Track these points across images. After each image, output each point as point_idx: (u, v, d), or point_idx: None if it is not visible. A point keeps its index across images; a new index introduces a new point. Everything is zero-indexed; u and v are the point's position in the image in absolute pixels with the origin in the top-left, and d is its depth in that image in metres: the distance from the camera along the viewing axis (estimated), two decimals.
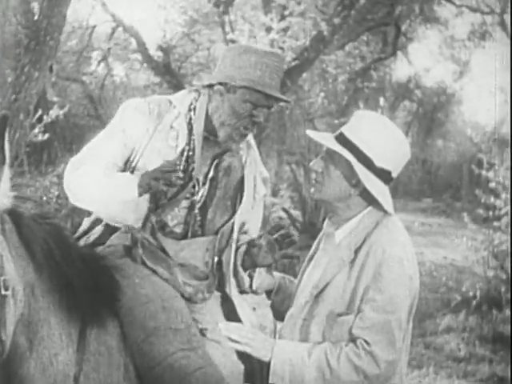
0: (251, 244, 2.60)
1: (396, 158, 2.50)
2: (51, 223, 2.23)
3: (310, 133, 2.55)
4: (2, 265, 1.98)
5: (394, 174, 2.51)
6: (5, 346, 2.00)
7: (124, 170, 2.55)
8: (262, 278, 2.65)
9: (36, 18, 6.92)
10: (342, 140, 2.47)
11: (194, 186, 2.56)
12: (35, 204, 2.24)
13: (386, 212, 2.49)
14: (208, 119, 2.56)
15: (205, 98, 2.57)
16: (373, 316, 2.38)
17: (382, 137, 2.48)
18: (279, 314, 2.69)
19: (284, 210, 10.67)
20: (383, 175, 2.47)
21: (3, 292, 1.97)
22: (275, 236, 2.57)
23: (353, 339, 2.40)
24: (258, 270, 2.64)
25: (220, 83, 2.51)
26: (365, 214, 2.50)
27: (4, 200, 2.03)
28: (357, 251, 2.46)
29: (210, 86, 2.55)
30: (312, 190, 2.55)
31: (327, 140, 2.50)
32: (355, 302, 2.41)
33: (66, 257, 2.20)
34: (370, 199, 2.49)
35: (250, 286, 2.63)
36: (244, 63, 2.48)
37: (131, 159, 2.55)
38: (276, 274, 2.79)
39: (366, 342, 2.37)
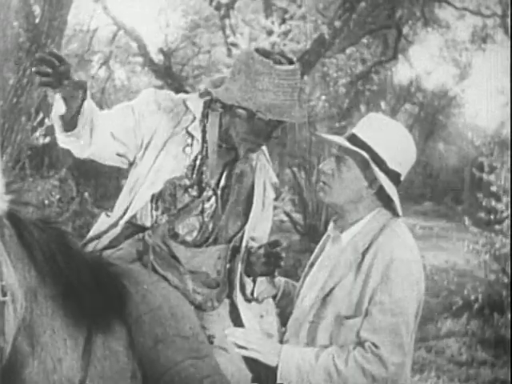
0: (251, 252, 2.59)
1: (405, 161, 2.52)
2: (53, 227, 2.21)
3: (321, 135, 2.56)
4: (0, 270, 1.97)
5: (402, 178, 2.52)
6: (4, 353, 1.99)
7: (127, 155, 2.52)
8: (263, 286, 2.65)
9: (37, 21, 6.93)
10: (355, 141, 2.48)
11: (201, 192, 2.54)
12: (36, 208, 2.23)
13: (393, 214, 2.50)
14: (222, 129, 2.52)
15: (217, 107, 2.52)
16: (381, 318, 2.38)
17: (393, 139, 2.49)
18: (283, 319, 2.69)
19: (285, 213, 10.67)
20: (394, 177, 2.48)
21: (2, 298, 1.97)
22: (273, 250, 2.55)
23: (360, 342, 2.40)
24: (259, 278, 2.63)
25: (241, 107, 2.44)
26: (371, 217, 2.51)
27: (0, 205, 2.03)
28: (364, 254, 2.46)
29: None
30: (321, 193, 2.54)
31: (341, 141, 2.50)
32: (363, 304, 2.41)
33: (69, 261, 2.19)
34: (379, 202, 2.49)
35: (252, 293, 2.62)
36: (266, 86, 2.40)
37: (145, 155, 2.51)
38: (280, 278, 2.79)
39: (374, 344, 2.37)
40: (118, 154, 2.50)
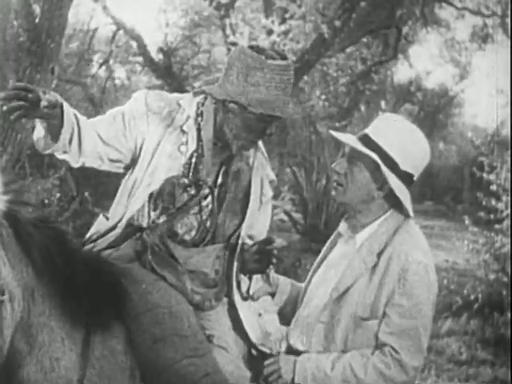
0: (244, 250, 2.59)
1: (418, 162, 2.50)
2: (52, 227, 2.21)
3: (334, 134, 2.54)
4: None
5: (415, 178, 2.50)
6: (2, 352, 1.99)
7: (120, 160, 2.52)
8: (259, 284, 2.64)
9: (37, 20, 6.93)
10: (367, 142, 2.47)
11: (198, 191, 2.54)
12: (35, 208, 2.23)
13: (405, 216, 2.49)
14: (216, 127, 2.52)
15: (211, 104, 2.53)
16: (400, 321, 2.38)
17: (406, 140, 2.47)
18: (286, 318, 2.69)
19: (285, 212, 10.67)
20: (406, 179, 2.47)
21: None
22: (265, 248, 2.55)
23: (379, 345, 2.40)
24: (254, 276, 2.63)
25: (233, 101, 2.44)
26: (385, 218, 2.50)
27: None
28: (379, 256, 2.45)
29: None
30: (334, 192, 2.54)
31: (353, 141, 2.49)
32: (379, 306, 2.41)
33: (68, 261, 2.19)
34: (391, 203, 2.49)
35: (248, 291, 2.62)
36: (258, 80, 2.40)
37: (140, 158, 2.50)
38: (284, 278, 2.78)
39: (393, 349, 2.37)
40: (112, 160, 2.50)
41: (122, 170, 2.57)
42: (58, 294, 2.16)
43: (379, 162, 2.43)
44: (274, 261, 2.52)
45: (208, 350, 2.36)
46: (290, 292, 2.72)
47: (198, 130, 2.53)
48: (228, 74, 2.46)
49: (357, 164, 2.48)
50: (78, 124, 2.36)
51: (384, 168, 2.43)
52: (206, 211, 2.55)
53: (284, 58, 2.46)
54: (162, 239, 2.49)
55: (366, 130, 2.51)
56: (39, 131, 2.32)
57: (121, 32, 10.75)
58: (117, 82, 11.90)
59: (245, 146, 2.53)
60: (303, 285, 2.69)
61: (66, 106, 2.29)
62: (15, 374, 2.09)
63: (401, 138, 2.47)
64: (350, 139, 2.51)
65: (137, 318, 2.30)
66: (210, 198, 2.55)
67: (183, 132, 2.52)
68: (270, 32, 9.48)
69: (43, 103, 2.18)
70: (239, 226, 2.59)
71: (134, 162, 2.52)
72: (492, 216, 7.35)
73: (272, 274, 2.70)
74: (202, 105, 2.55)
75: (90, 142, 2.41)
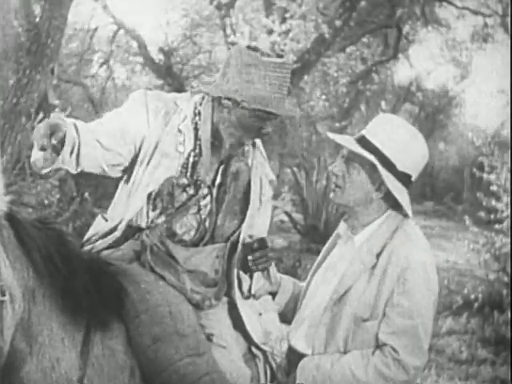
0: (246, 247, 2.59)
1: (416, 163, 2.50)
2: (52, 228, 2.22)
3: (331, 135, 2.55)
4: None
5: (413, 178, 2.50)
6: (3, 352, 2.01)
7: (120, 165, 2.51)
8: (260, 283, 2.65)
9: (37, 20, 6.94)
10: (364, 143, 2.46)
11: (197, 190, 2.55)
12: (35, 209, 2.23)
13: (404, 216, 2.49)
14: (214, 126, 2.53)
15: (209, 104, 2.54)
16: (400, 321, 2.38)
17: (403, 141, 2.47)
18: (284, 317, 2.69)
19: (286, 213, 10.68)
20: (404, 179, 2.46)
21: (0, 298, 1.98)
22: (257, 246, 2.56)
23: (379, 345, 2.40)
24: (255, 275, 2.64)
25: (228, 98, 2.46)
26: (384, 219, 2.49)
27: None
28: (378, 256, 2.44)
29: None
30: (332, 194, 2.54)
31: (350, 143, 2.49)
32: (379, 306, 2.40)
33: (68, 262, 2.19)
34: (390, 203, 2.49)
35: (249, 289, 2.63)
36: (252, 77, 2.42)
37: (139, 158, 2.51)
38: (288, 277, 2.78)
39: (393, 349, 2.37)
40: (112, 165, 2.49)
41: (120, 174, 2.56)
42: (58, 294, 2.16)
43: (376, 163, 2.43)
44: (265, 259, 2.54)
45: (208, 349, 2.37)
46: (292, 291, 2.73)
47: (196, 129, 2.54)
48: (225, 72, 2.49)
49: (354, 165, 2.48)
50: (79, 138, 2.33)
51: (381, 169, 2.43)
52: (205, 211, 2.56)
53: (280, 56, 2.48)
54: (161, 239, 2.49)
55: (363, 131, 2.51)
56: (37, 154, 2.28)
57: (121, 32, 10.77)
58: (117, 82, 11.91)
59: (241, 145, 2.54)
60: (305, 284, 2.70)
61: (68, 126, 2.25)
62: (15, 373, 2.10)
63: (398, 139, 2.47)
64: (347, 141, 2.51)
65: (136, 318, 2.30)
66: (208, 198, 2.56)
67: (180, 132, 2.53)
68: (270, 31, 9.49)
69: (52, 142, 2.19)
70: (239, 226, 2.59)
71: (132, 163, 2.53)
72: (492, 216, 7.35)
73: (274, 272, 2.71)
74: (200, 104, 2.56)
75: (89, 152, 2.38)
